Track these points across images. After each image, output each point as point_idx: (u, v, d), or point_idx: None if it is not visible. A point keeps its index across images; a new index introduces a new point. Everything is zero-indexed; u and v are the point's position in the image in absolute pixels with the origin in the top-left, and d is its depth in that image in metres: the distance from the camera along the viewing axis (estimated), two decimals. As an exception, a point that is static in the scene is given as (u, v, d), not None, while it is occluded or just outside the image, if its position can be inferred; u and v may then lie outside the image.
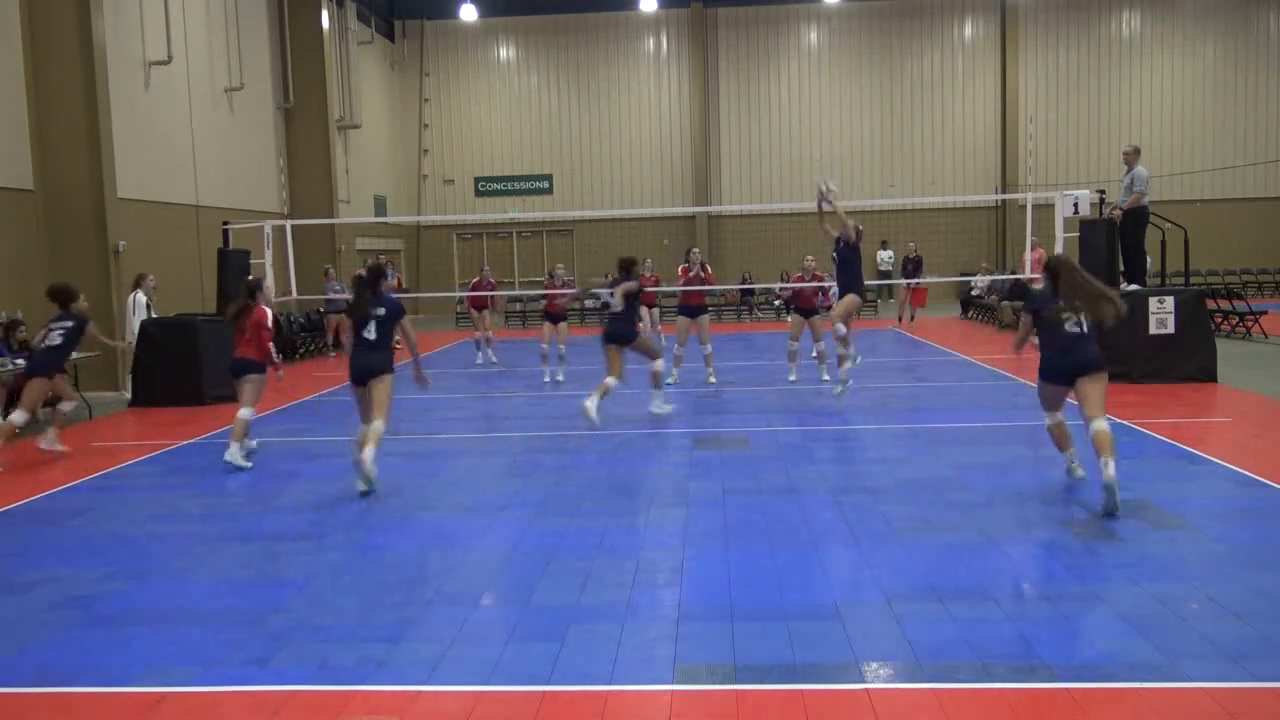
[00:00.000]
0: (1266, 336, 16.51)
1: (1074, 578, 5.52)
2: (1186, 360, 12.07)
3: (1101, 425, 6.69)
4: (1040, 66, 28.91)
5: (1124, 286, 12.50)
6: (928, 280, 23.47)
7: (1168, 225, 13.19)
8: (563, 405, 12.26)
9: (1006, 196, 26.59)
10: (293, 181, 22.22)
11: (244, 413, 9.07)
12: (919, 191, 28.70)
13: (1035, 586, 5.48)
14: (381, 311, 8.01)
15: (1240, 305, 16.89)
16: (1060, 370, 7.05)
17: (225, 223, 14.01)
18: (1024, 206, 28.10)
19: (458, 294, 28.88)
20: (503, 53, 30.04)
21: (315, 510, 7.49)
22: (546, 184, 29.97)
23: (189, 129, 17.88)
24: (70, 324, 9.87)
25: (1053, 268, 7.04)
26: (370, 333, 7.97)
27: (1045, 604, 5.15)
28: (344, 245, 23.46)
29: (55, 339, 9.78)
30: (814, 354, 13.65)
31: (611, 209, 28.60)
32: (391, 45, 29.20)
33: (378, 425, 7.79)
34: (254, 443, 9.42)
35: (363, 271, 8.29)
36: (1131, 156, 12.55)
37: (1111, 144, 28.71)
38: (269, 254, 14.00)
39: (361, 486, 7.70)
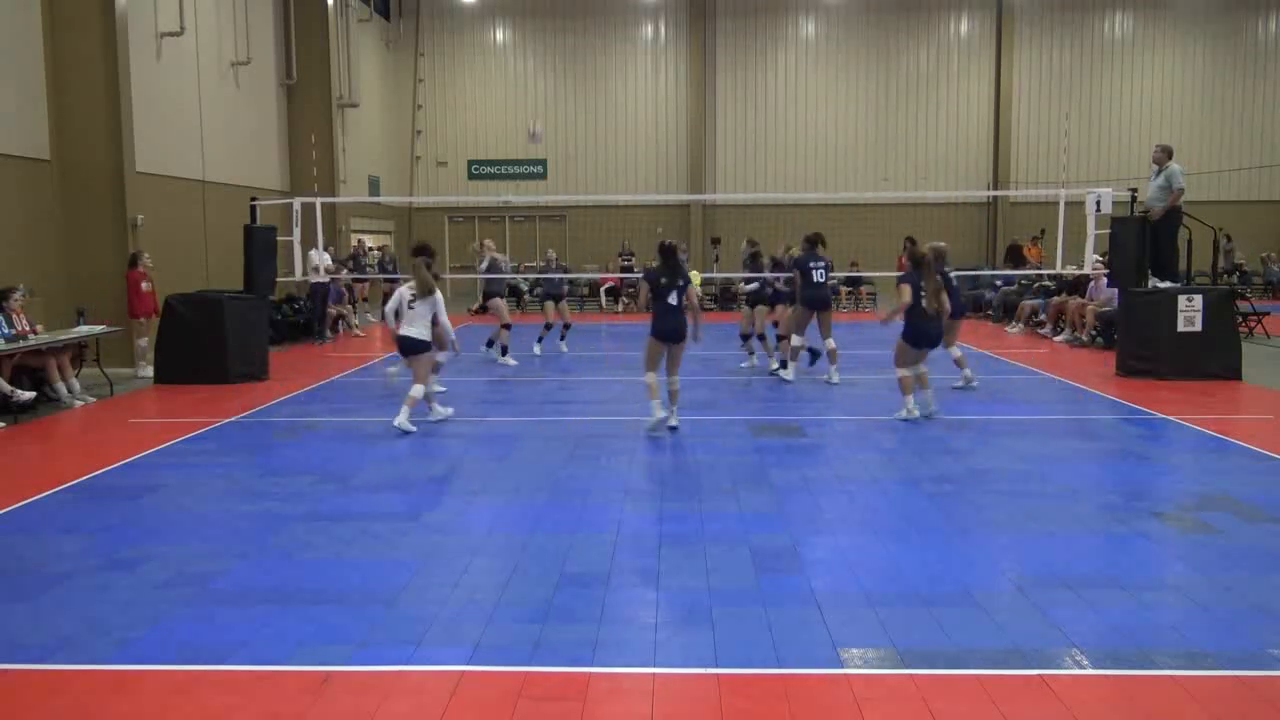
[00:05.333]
0: (1269, 337, 16.83)
1: (1192, 568, 5.62)
2: (1212, 359, 12.29)
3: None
4: (1034, 65, 29.19)
5: (1155, 284, 12.69)
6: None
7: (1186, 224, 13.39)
8: (605, 389, 12.24)
9: (1000, 193, 26.84)
10: (293, 160, 21.89)
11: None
12: (912, 186, 28.89)
13: (1157, 576, 5.56)
14: (682, 282, 9.34)
15: (1244, 306, 17.17)
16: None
17: (253, 199, 13.74)
18: (1014, 204, 28.83)
19: (448, 276, 28.86)
20: (499, 35, 29.77)
21: (397, 491, 7.44)
22: (540, 168, 29.77)
23: (197, 103, 17.55)
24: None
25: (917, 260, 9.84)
26: (673, 299, 9.28)
27: (1174, 593, 5.24)
28: (343, 226, 23.18)
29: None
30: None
31: (606, 194, 28.51)
32: (387, 24, 28.82)
33: (676, 380, 9.50)
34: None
35: (668, 241, 9.63)
36: (1162, 156, 12.72)
37: (1102, 144, 29.16)
38: (298, 231, 13.77)
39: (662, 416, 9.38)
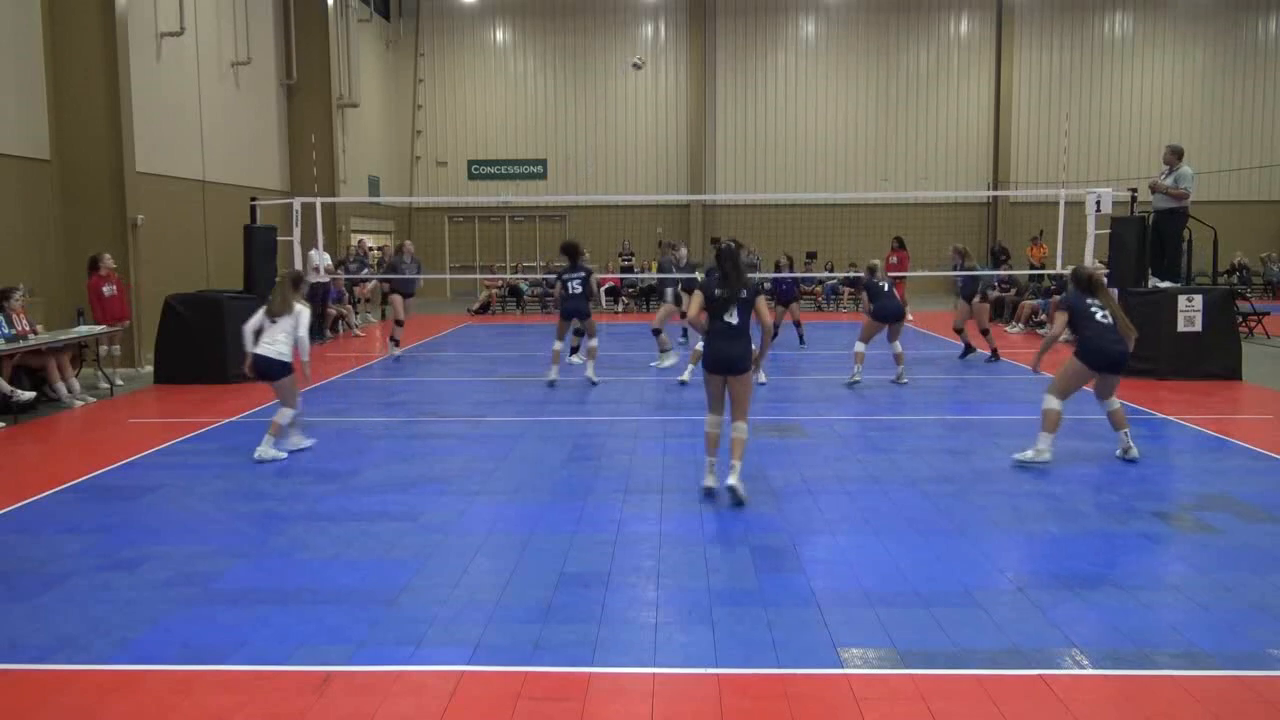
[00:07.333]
0: (1269, 337, 16.83)
1: (1192, 568, 5.62)
2: (1212, 358, 12.30)
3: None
4: (1034, 65, 29.20)
5: (1155, 284, 12.69)
6: (917, 274, 23.56)
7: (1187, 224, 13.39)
8: (605, 390, 12.24)
9: (1000, 193, 26.84)
10: (293, 160, 21.90)
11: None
12: (912, 186, 28.90)
13: (1157, 576, 5.56)
14: (744, 294, 6.91)
15: (1244, 306, 17.17)
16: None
17: (253, 199, 13.76)
18: (1014, 204, 28.83)
19: (447, 276, 28.93)
20: (499, 35, 29.78)
21: (397, 491, 7.43)
22: (540, 169, 29.78)
23: (197, 103, 17.55)
24: (583, 274, 12.15)
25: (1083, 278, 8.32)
26: (732, 317, 6.90)
27: (1174, 592, 5.24)
28: (343, 226, 23.19)
29: (576, 287, 12.07)
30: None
31: (606, 195, 28.51)
32: (387, 24, 28.83)
33: (740, 428, 6.96)
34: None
35: (727, 243, 7.00)
36: (1172, 158, 12.71)
37: (1102, 144, 29.17)
38: (297, 231, 13.78)
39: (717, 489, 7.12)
